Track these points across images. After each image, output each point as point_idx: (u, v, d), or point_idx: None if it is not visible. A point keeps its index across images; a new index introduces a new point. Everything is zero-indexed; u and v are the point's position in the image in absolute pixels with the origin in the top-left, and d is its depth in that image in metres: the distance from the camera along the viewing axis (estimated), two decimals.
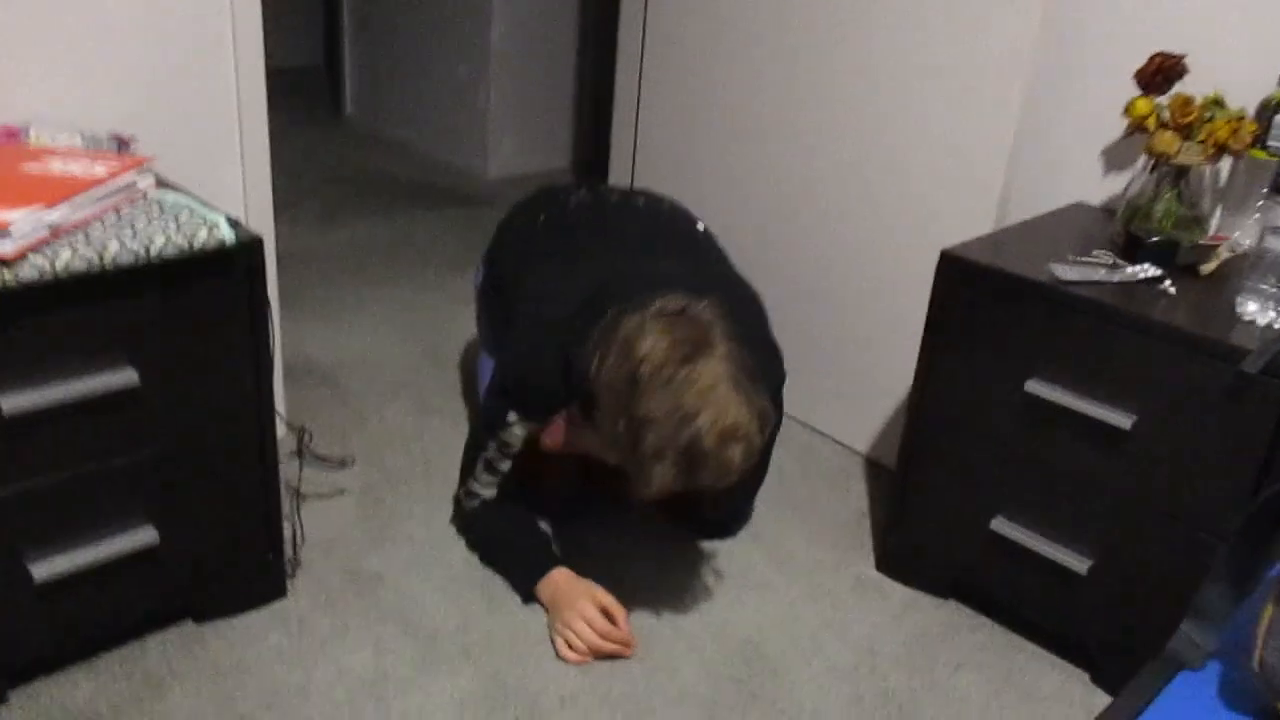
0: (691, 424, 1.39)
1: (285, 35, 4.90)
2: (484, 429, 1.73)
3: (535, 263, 1.82)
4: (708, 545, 1.90)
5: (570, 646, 1.60)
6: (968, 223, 1.89)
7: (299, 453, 1.99)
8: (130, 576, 1.47)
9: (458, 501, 1.84)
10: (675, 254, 1.80)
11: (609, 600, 1.64)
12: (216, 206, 1.46)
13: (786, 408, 2.35)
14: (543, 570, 1.69)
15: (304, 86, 4.84)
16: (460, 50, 3.79)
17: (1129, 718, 0.81)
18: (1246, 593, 0.86)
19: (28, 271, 1.22)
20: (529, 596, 1.70)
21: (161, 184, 1.52)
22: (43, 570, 1.37)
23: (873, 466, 2.20)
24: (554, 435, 1.65)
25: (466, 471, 1.79)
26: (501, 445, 1.71)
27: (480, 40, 3.69)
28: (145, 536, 1.45)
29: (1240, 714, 0.81)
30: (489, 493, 1.76)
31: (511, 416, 1.68)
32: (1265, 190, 1.68)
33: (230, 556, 1.57)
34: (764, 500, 2.02)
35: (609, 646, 1.60)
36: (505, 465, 1.73)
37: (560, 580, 1.67)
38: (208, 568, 1.56)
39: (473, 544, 1.83)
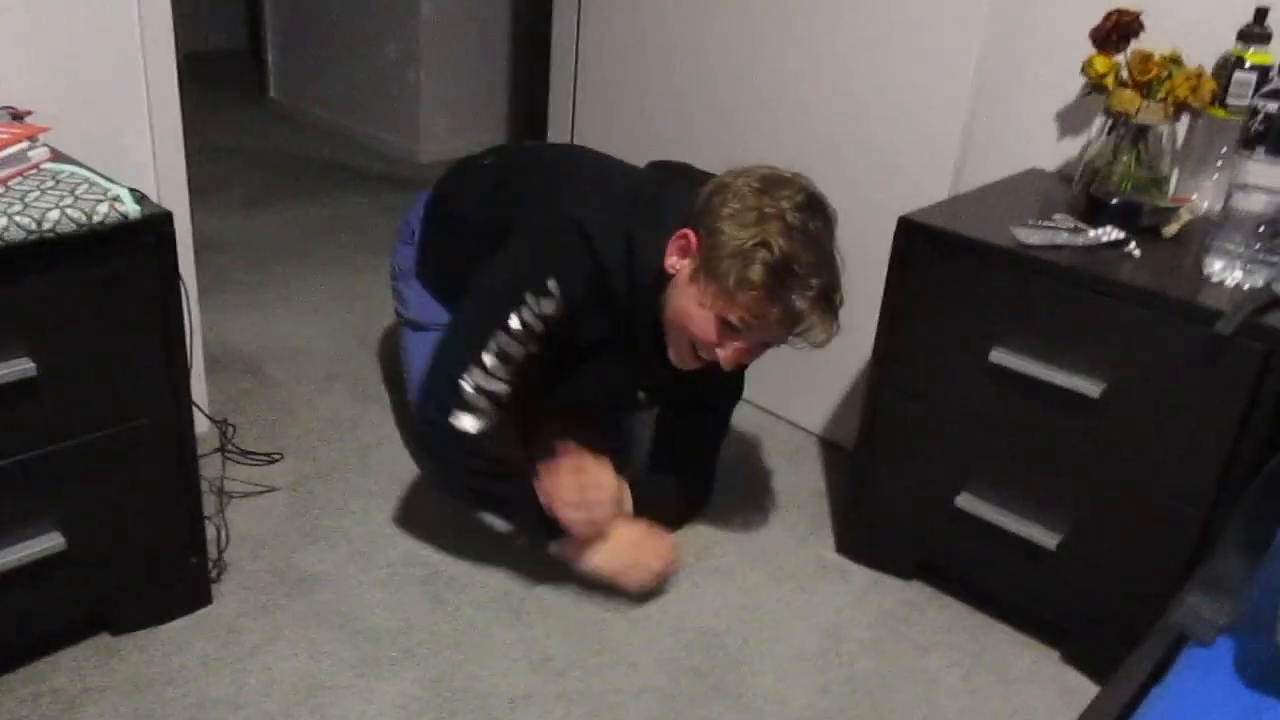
0: (807, 255, 1.44)
1: (206, 18, 4.71)
2: (505, 299, 1.50)
3: (532, 169, 1.75)
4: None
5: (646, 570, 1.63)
6: (922, 190, 1.82)
7: (222, 448, 1.87)
8: (35, 586, 1.34)
9: (440, 409, 1.51)
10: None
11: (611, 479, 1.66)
12: (121, 181, 1.33)
13: None
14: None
15: (227, 70, 4.65)
16: (389, 29, 3.65)
17: (1133, 696, 0.74)
18: (1259, 561, 0.79)
19: None
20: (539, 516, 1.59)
21: (60, 158, 1.39)
22: None
23: (828, 447, 2.14)
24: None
25: (461, 363, 1.50)
26: (524, 326, 1.49)
27: (409, 16, 3.55)
28: (50, 542, 1.32)
29: (1263, 694, 0.74)
30: (498, 388, 1.51)
31: (551, 284, 1.50)
32: (1225, 149, 1.64)
33: (148, 561, 1.45)
34: (719, 484, 1.95)
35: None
36: (520, 358, 1.51)
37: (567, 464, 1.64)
38: (123, 574, 1.43)
39: (470, 472, 1.55)
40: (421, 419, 1.56)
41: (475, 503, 1.60)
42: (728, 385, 1.86)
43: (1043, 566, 1.55)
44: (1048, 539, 1.52)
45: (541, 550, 1.63)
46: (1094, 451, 1.47)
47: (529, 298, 1.50)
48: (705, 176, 1.61)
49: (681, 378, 1.66)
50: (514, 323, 1.50)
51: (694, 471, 1.85)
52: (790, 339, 1.52)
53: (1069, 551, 1.52)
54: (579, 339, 1.60)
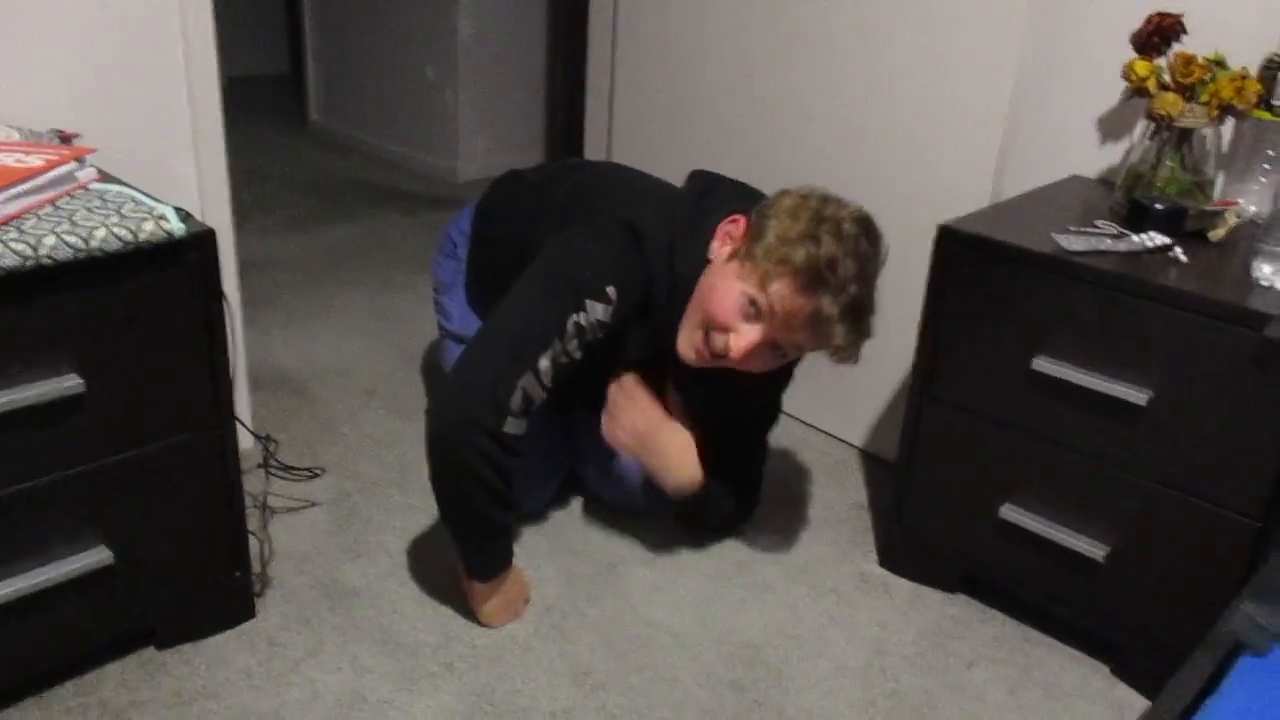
0: (851, 265, 1.45)
1: (248, 44, 4.81)
2: (566, 303, 1.47)
3: (570, 193, 1.75)
4: (702, 545, 1.80)
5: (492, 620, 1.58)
6: (962, 199, 1.81)
7: (265, 463, 1.88)
8: (83, 600, 1.36)
9: (490, 413, 1.42)
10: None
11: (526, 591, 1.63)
12: (166, 200, 1.36)
13: None
14: (507, 566, 1.58)
15: (268, 95, 4.74)
16: (427, 50, 3.70)
17: (1187, 707, 0.72)
18: None
19: None
20: (484, 578, 1.56)
21: (107, 179, 1.41)
22: None
23: (869, 459, 2.11)
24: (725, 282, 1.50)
25: (512, 366, 1.44)
26: (579, 331, 1.47)
27: (447, 39, 3.60)
28: (98, 557, 1.34)
29: None
30: (540, 394, 1.46)
31: (611, 290, 1.49)
32: (1271, 152, 1.61)
33: (193, 576, 1.46)
34: (760, 497, 1.93)
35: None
36: (568, 366, 1.48)
37: (511, 577, 1.60)
38: (169, 589, 1.45)
39: (471, 476, 1.44)
40: (450, 421, 1.43)
41: (455, 523, 1.53)
42: (763, 409, 1.83)
43: (1091, 579, 1.52)
44: (1096, 550, 1.49)
45: (462, 579, 1.59)
46: (1142, 460, 1.44)
47: (589, 303, 1.48)
48: (745, 188, 1.65)
49: (712, 399, 1.66)
50: (571, 327, 1.47)
51: (736, 488, 1.81)
52: (808, 345, 1.51)
53: (1118, 563, 1.49)
54: (616, 351, 1.60)
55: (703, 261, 1.56)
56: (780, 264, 1.45)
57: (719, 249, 1.56)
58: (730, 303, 1.49)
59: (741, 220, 1.55)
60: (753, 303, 1.48)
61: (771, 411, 1.85)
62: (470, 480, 1.44)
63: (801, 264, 1.44)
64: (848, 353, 1.51)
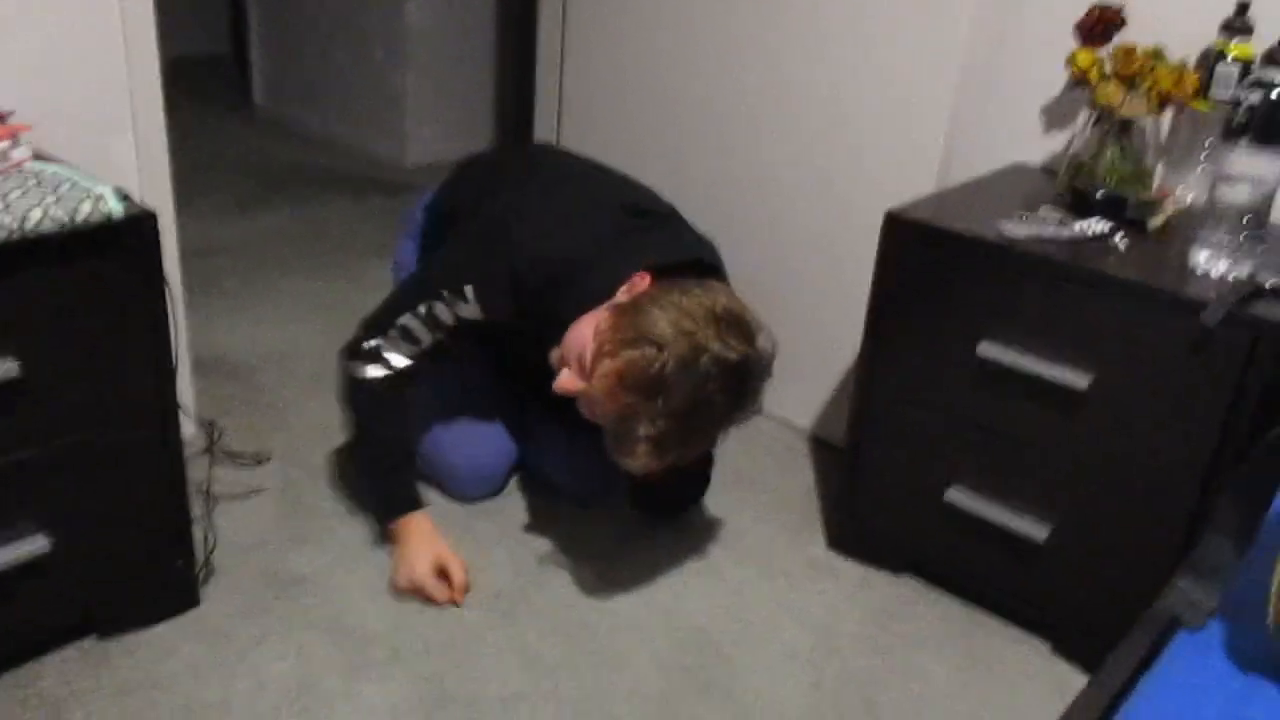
0: (681, 400, 1.38)
1: (188, 23, 4.69)
2: (422, 287, 1.59)
3: (521, 174, 1.74)
4: (653, 530, 1.81)
5: (400, 584, 1.60)
6: (908, 186, 1.82)
7: (209, 449, 1.85)
8: (20, 590, 1.33)
9: (351, 354, 1.64)
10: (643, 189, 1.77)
11: (451, 561, 1.61)
12: (105, 180, 1.32)
13: None
14: (408, 508, 1.65)
15: (210, 77, 4.64)
16: (375, 32, 3.65)
17: (1127, 681, 0.74)
18: (1248, 545, 0.80)
19: None
20: (384, 526, 1.67)
21: (42, 158, 1.38)
22: None
23: (818, 444, 2.14)
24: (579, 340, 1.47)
25: (376, 326, 1.62)
26: (432, 318, 1.57)
27: (396, 21, 3.55)
28: (35, 545, 1.31)
29: (1256, 677, 0.74)
30: (399, 362, 1.61)
31: (469, 291, 1.55)
32: (1210, 141, 1.65)
33: (135, 564, 1.44)
34: (711, 482, 1.94)
35: (437, 599, 1.58)
36: (426, 342, 1.60)
37: (415, 526, 1.64)
38: (110, 577, 1.42)
39: (350, 422, 1.68)
40: (340, 355, 1.68)
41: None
42: (693, 479, 1.80)
43: (1033, 559, 1.55)
44: (1037, 531, 1.53)
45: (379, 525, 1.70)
46: (1082, 443, 1.47)
47: (447, 295, 1.57)
48: (688, 238, 1.63)
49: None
50: (422, 310, 1.58)
51: (686, 473, 1.73)
52: (612, 436, 1.44)
53: (1058, 544, 1.52)
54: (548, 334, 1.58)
55: (605, 292, 1.50)
56: (622, 346, 1.38)
57: (621, 292, 1.49)
58: (573, 343, 1.46)
59: (648, 280, 1.48)
60: (583, 360, 1.43)
61: (705, 477, 1.83)
62: (347, 406, 1.67)
63: (629, 366, 1.37)
64: (638, 469, 1.44)
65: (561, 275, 1.54)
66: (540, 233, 1.57)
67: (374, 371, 1.62)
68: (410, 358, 1.62)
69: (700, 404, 1.39)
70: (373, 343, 1.62)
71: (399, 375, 1.63)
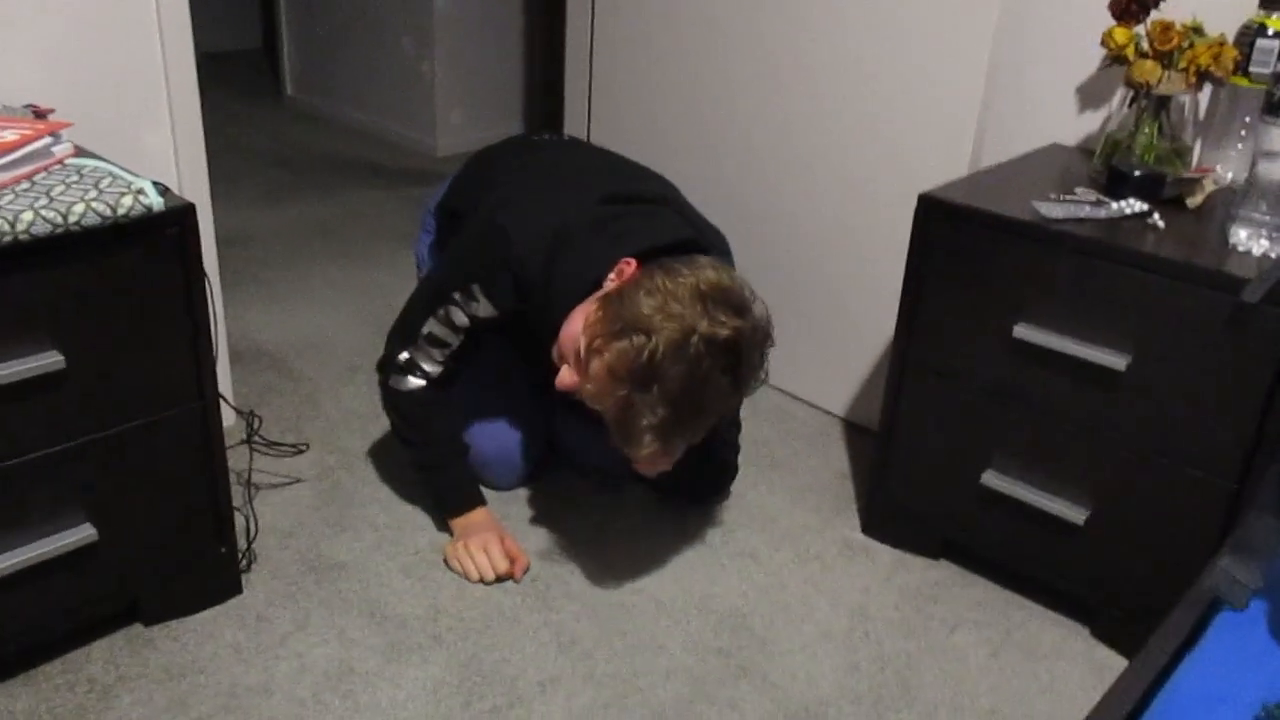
0: (674, 383, 1.35)
1: (220, 19, 4.74)
2: (435, 291, 1.61)
3: (512, 169, 1.75)
4: (686, 514, 1.81)
5: (463, 566, 1.62)
6: (942, 169, 1.81)
7: (249, 439, 1.88)
8: (68, 578, 1.36)
9: (386, 369, 1.67)
10: (652, 178, 1.77)
11: (513, 546, 1.65)
12: (143, 174, 1.34)
13: None
14: (471, 504, 1.70)
15: (242, 70, 4.68)
16: (403, 22, 3.66)
17: (1168, 662, 0.73)
18: None
19: None
20: (444, 520, 1.71)
21: (83, 153, 1.40)
22: None
23: (852, 428, 2.13)
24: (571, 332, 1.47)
25: (404, 337, 1.65)
26: (450, 323, 1.60)
27: (424, 10, 3.56)
28: (82, 534, 1.34)
29: None
30: (433, 369, 1.63)
31: (476, 290, 1.56)
32: (1248, 118, 1.63)
33: (178, 553, 1.46)
34: (743, 467, 1.94)
35: (501, 572, 1.61)
36: (453, 345, 1.62)
37: (477, 518, 1.68)
38: (154, 566, 1.44)
39: (399, 429, 1.70)
40: (378, 372, 1.71)
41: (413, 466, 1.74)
42: (714, 468, 1.79)
43: (1071, 542, 1.54)
44: (1075, 514, 1.51)
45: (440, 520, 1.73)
46: (1121, 424, 1.45)
47: (458, 297, 1.58)
48: (676, 223, 1.59)
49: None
50: (441, 312, 1.60)
51: (713, 461, 1.78)
52: (615, 429, 1.42)
53: (1097, 526, 1.51)
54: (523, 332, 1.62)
55: (591, 283, 1.49)
56: (610, 339, 1.37)
57: (609, 281, 1.48)
58: (566, 340, 1.46)
59: (634, 265, 1.46)
60: (578, 355, 1.42)
61: (730, 459, 1.83)
62: (394, 415, 1.70)
63: (621, 355, 1.35)
64: (650, 457, 1.42)
65: (551, 268, 1.52)
66: (528, 226, 1.55)
67: (414, 382, 1.65)
68: (442, 363, 1.64)
69: (697, 386, 1.36)
70: (404, 356, 1.65)
71: (436, 381, 1.65)
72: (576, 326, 1.44)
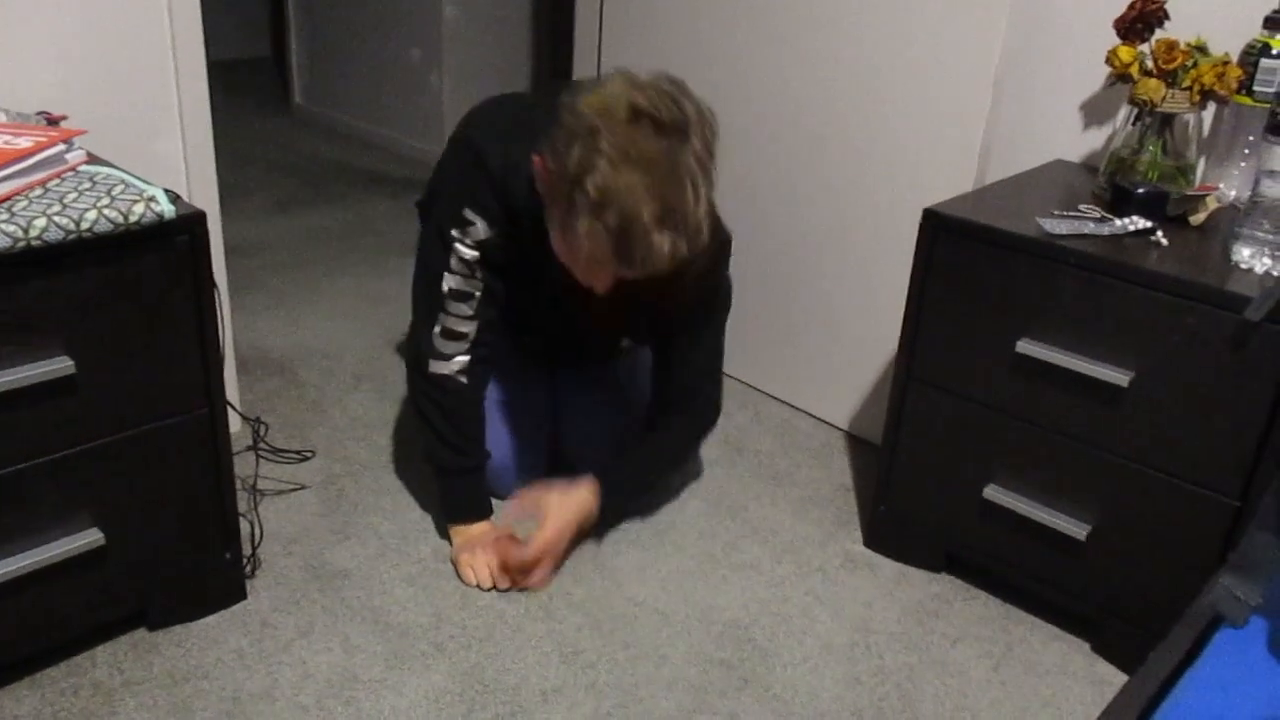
0: (637, 190, 1.29)
1: (229, 27, 4.77)
2: (435, 244, 1.57)
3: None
4: (688, 525, 1.82)
5: (477, 575, 1.64)
6: (947, 183, 1.83)
7: (254, 446, 1.89)
8: (75, 582, 1.37)
9: (419, 355, 1.63)
10: None
11: (511, 553, 1.63)
12: (154, 182, 1.36)
13: (763, 384, 2.29)
14: (470, 517, 1.71)
15: (250, 78, 4.71)
16: (411, 32, 3.68)
17: (1168, 679, 0.74)
18: None
19: None
20: (451, 523, 1.72)
21: (95, 161, 1.41)
22: None
23: (855, 442, 2.14)
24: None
25: (429, 309, 1.60)
26: (463, 261, 1.55)
27: (431, 21, 3.58)
28: (89, 538, 1.34)
29: None
30: (467, 328, 1.59)
31: (469, 213, 1.53)
32: (1252, 137, 1.63)
33: (184, 558, 1.47)
34: (745, 478, 1.96)
35: (498, 586, 1.63)
36: (476, 293, 1.58)
37: (477, 532, 1.69)
38: (160, 570, 1.45)
39: (431, 422, 1.66)
40: (408, 363, 1.70)
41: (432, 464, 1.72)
42: (709, 293, 1.69)
43: (1073, 558, 1.55)
44: (1077, 529, 1.52)
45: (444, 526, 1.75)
46: (1123, 440, 1.46)
47: (455, 234, 1.55)
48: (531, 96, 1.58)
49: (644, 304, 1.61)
50: (453, 262, 1.57)
51: (693, 395, 1.76)
52: (664, 290, 1.44)
53: (1099, 542, 1.52)
54: (524, 259, 1.58)
55: (532, 190, 1.46)
56: (570, 231, 1.35)
57: (541, 189, 1.43)
58: (572, 262, 1.43)
59: (540, 161, 1.40)
60: (589, 262, 1.39)
61: (717, 297, 1.72)
62: (419, 416, 1.68)
63: (588, 225, 1.32)
64: (685, 262, 1.37)
65: (522, 164, 1.48)
66: (494, 130, 1.55)
67: (456, 357, 1.62)
68: (474, 315, 1.60)
69: (651, 162, 1.30)
70: (437, 329, 1.60)
71: (477, 339, 1.61)
72: (557, 246, 1.43)
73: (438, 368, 1.62)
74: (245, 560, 1.58)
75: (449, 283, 1.58)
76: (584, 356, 1.93)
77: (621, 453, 1.77)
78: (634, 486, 1.80)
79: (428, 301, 1.61)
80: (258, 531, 1.67)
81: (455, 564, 1.66)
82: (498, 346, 1.69)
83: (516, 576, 1.63)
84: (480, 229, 1.55)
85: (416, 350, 1.64)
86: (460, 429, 1.67)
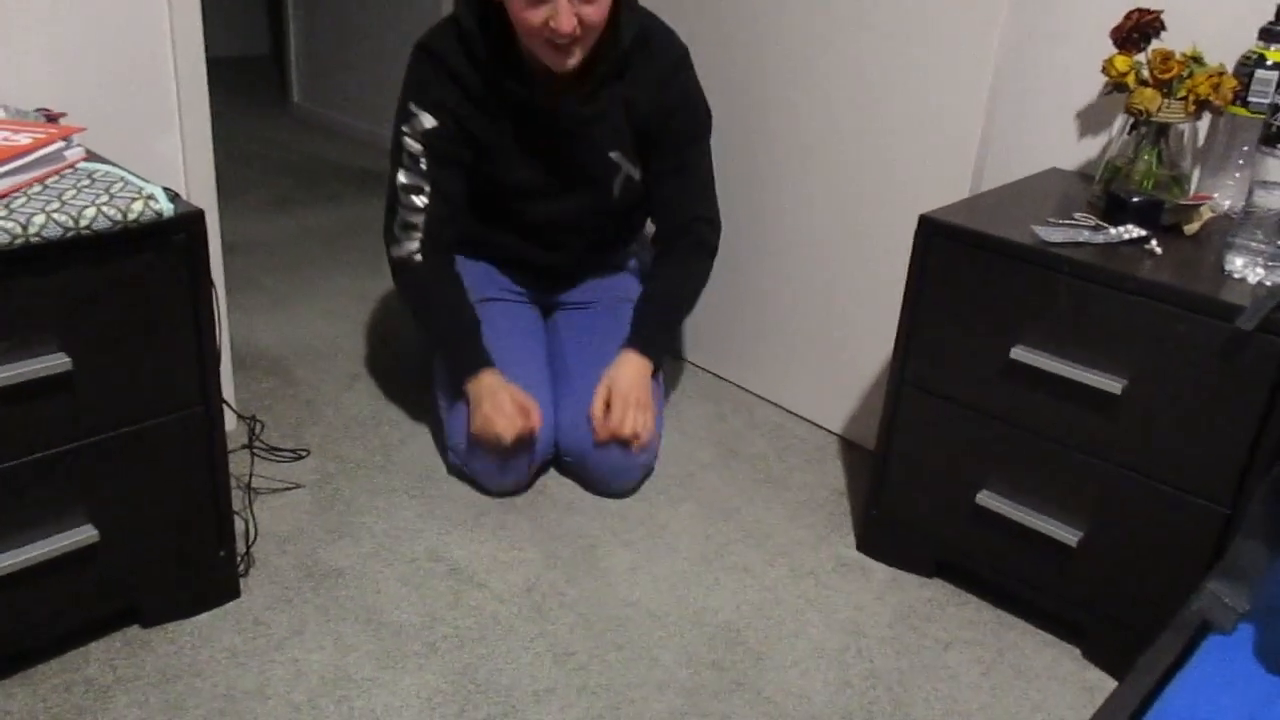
0: None
1: (228, 23, 4.77)
2: (393, 144, 1.81)
3: None
4: (681, 527, 1.82)
5: (482, 428, 1.77)
6: (942, 191, 1.83)
7: (250, 444, 1.89)
8: (68, 578, 1.37)
9: (387, 240, 1.86)
10: None
11: (524, 398, 1.80)
12: (153, 179, 1.36)
13: (758, 388, 2.29)
14: (477, 368, 1.82)
15: (249, 75, 4.71)
16: (410, 31, 3.68)
17: (1157, 684, 0.74)
18: (1278, 550, 0.80)
19: None
20: (460, 386, 1.84)
21: (94, 158, 1.42)
22: None
23: (849, 446, 2.14)
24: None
25: (389, 203, 1.84)
26: (411, 154, 1.79)
27: (430, 20, 3.58)
28: (83, 535, 1.35)
29: None
30: (421, 203, 1.80)
31: (413, 106, 1.78)
32: (1246, 148, 1.64)
33: (178, 555, 1.47)
34: (739, 480, 1.96)
35: (518, 429, 1.77)
36: (426, 176, 1.79)
37: (486, 380, 1.81)
38: (153, 567, 1.45)
39: (410, 307, 1.91)
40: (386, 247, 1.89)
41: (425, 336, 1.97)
42: (685, 113, 1.91)
43: (1064, 563, 1.55)
44: (1069, 536, 1.53)
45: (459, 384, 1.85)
46: (1115, 447, 1.47)
47: (404, 129, 1.79)
48: None
49: (620, 124, 1.84)
50: (404, 157, 1.80)
51: (691, 220, 1.96)
52: None
53: (1090, 548, 1.52)
54: (505, 163, 1.83)
55: (498, 6, 1.70)
56: None
57: None
58: (526, 11, 1.63)
59: None
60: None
61: (696, 116, 1.93)
62: (403, 302, 1.92)
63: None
64: None
65: (464, 20, 1.74)
66: (443, 25, 1.80)
67: (408, 243, 1.82)
68: (423, 208, 1.80)
69: None
70: (395, 217, 1.82)
71: (429, 224, 1.81)
72: (513, 9, 1.66)
73: (397, 252, 1.84)
74: (239, 558, 1.58)
75: (401, 177, 1.81)
76: (580, 237, 2.00)
77: (640, 311, 1.93)
78: (666, 329, 1.99)
79: (389, 196, 1.84)
80: (252, 530, 1.67)
81: (480, 433, 1.77)
82: (455, 231, 1.88)
83: (630, 439, 1.81)
84: (424, 120, 1.77)
85: (385, 239, 1.87)
86: (430, 298, 1.85)
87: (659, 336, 1.94)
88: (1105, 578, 1.53)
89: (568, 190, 1.90)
